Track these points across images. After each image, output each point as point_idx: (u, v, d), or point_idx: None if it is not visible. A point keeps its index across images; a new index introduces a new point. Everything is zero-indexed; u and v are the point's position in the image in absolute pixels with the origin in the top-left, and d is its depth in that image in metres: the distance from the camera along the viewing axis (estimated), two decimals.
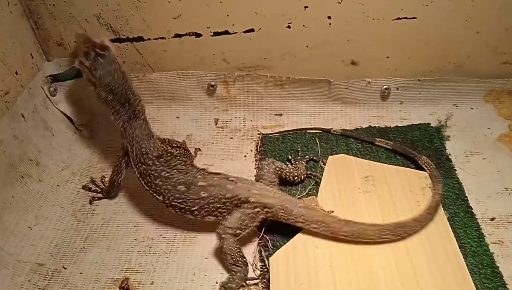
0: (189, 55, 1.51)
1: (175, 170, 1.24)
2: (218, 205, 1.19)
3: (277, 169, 1.31)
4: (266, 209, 1.17)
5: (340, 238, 1.14)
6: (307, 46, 1.47)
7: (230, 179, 1.21)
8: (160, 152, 1.28)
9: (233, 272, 1.13)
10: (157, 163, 1.25)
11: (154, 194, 1.24)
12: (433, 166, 1.32)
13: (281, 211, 1.16)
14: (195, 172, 1.24)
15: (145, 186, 1.26)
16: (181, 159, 1.29)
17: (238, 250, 1.14)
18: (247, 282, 1.13)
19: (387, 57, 1.48)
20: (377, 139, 1.45)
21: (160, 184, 1.22)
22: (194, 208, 1.21)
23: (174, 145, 1.42)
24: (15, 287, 1.17)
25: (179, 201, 1.21)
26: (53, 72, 1.55)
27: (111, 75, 1.27)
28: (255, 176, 1.33)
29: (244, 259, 1.14)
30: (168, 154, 1.29)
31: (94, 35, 1.32)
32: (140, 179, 1.27)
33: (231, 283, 1.11)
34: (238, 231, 1.16)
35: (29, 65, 1.46)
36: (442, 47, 1.45)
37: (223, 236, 1.14)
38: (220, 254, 1.17)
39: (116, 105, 1.30)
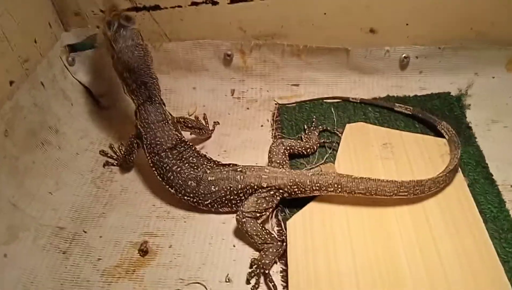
0: (206, 24, 1.51)
1: (186, 164, 1.24)
2: (231, 197, 1.20)
3: (287, 148, 1.30)
4: (281, 190, 1.17)
5: (357, 197, 1.13)
6: (324, 13, 1.44)
7: (239, 169, 1.21)
8: (174, 143, 1.27)
9: (265, 250, 1.12)
10: (170, 155, 1.25)
11: (167, 186, 1.25)
12: (453, 131, 1.30)
13: (295, 187, 1.16)
14: (205, 166, 1.24)
15: (158, 177, 1.26)
16: (193, 149, 1.29)
17: (262, 228, 1.13)
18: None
19: (407, 24, 1.45)
20: (397, 104, 1.44)
21: (172, 178, 1.23)
22: (206, 202, 1.22)
23: (189, 125, 1.42)
24: (37, 249, 1.19)
25: (190, 195, 1.22)
26: (71, 42, 1.56)
27: (131, 51, 1.27)
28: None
29: (272, 235, 1.14)
30: (182, 144, 1.28)
31: None
32: (153, 169, 1.27)
33: (265, 259, 1.10)
34: (257, 215, 1.15)
35: (47, 35, 1.47)
36: (464, 13, 1.41)
37: (243, 220, 1.14)
38: (244, 235, 1.16)
39: (132, 84, 1.29)
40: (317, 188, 1.15)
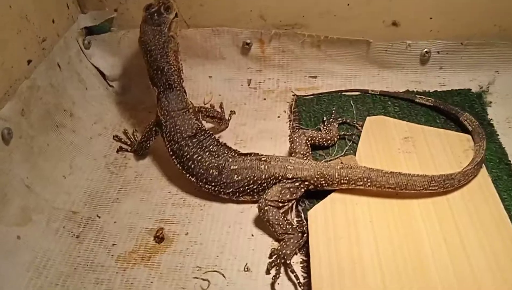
0: (226, 10, 1.48)
1: (207, 153, 1.22)
2: (254, 187, 1.18)
3: (308, 139, 1.28)
4: (306, 182, 1.15)
5: (385, 192, 1.11)
6: (348, 5, 1.43)
7: (263, 159, 1.18)
8: (194, 131, 1.25)
9: (286, 240, 1.10)
10: (190, 144, 1.23)
11: (187, 175, 1.23)
12: (476, 122, 1.28)
13: (322, 179, 1.14)
14: (226, 155, 1.22)
15: (178, 165, 1.24)
16: (213, 138, 1.27)
17: (284, 218, 1.11)
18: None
19: (430, 18, 1.43)
20: (418, 96, 1.42)
21: (193, 167, 1.21)
22: (228, 191, 1.20)
23: (210, 114, 1.40)
24: (50, 232, 1.17)
25: (212, 184, 1.20)
26: (88, 25, 1.53)
27: (153, 35, 1.27)
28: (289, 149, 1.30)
29: (293, 226, 1.12)
30: (202, 133, 1.26)
31: None
32: (173, 157, 1.25)
33: (286, 249, 1.08)
34: (280, 204, 1.13)
35: (64, 15, 1.45)
36: (488, 9, 1.40)
37: (266, 208, 1.11)
38: (265, 223, 1.13)
39: (150, 69, 1.29)
40: (346, 181, 1.12)
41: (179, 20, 1.39)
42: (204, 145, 1.24)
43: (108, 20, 1.53)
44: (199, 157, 1.21)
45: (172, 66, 1.29)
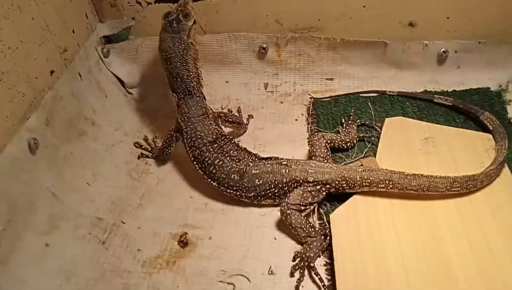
0: (242, 16, 1.50)
1: (228, 157, 1.23)
2: (275, 191, 1.19)
3: (328, 141, 1.28)
4: (328, 185, 1.15)
5: (408, 193, 1.11)
6: (364, 6, 1.43)
7: (284, 163, 1.19)
8: (214, 136, 1.27)
9: (309, 243, 1.10)
10: (211, 149, 1.24)
11: (209, 180, 1.24)
12: (497, 121, 1.28)
13: (343, 182, 1.14)
14: (247, 159, 1.23)
15: (199, 171, 1.26)
16: (234, 142, 1.28)
17: (306, 221, 1.12)
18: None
19: (447, 18, 1.43)
20: (436, 96, 1.42)
21: (214, 172, 1.22)
22: (250, 195, 1.21)
23: (230, 119, 1.41)
24: (77, 239, 1.19)
25: (234, 189, 1.21)
26: (106, 33, 1.56)
27: (172, 42, 1.29)
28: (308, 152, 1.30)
29: (316, 228, 1.12)
30: (222, 138, 1.28)
31: None
32: (194, 163, 1.26)
33: (309, 252, 1.08)
34: (302, 207, 1.13)
35: (84, 25, 1.47)
36: (506, 8, 1.39)
37: (288, 212, 1.12)
38: (287, 227, 1.14)
39: (170, 76, 1.31)
40: (367, 184, 1.13)
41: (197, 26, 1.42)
42: (225, 150, 1.26)
43: (126, 28, 1.56)
44: (220, 162, 1.22)
45: (191, 73, 1.31)
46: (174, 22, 1.30)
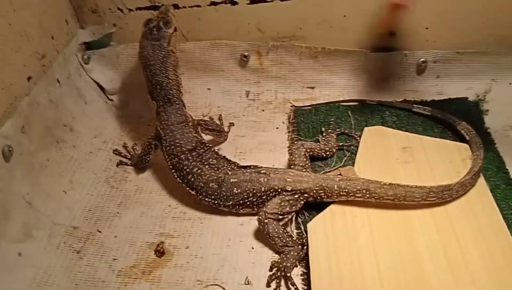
0: (224, 24, 1.50)
1: (207, 166, 1.22)
2: (253, 199, 1.18)
3: (307, 150, 1.28)
4: (305, 194, 1.15)
5: (384, 203, 1.12)
6: (344, 16, 1.44)
7: (262, 172, 1.19)
8: (193, 144, 1.26)
9: (286, 253, 1.10)
10: (190, 157, 1.23)
11: (187, 188, 1.23)
12: (473, 132, 1.29)
13: (321, 192, 1.14)
14: (226, 167, 1.22)
15: (178, 179, 1.25)
16: (213, 151, 1.28)
17: (284, 231, 1.11)
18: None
19: (427, 28, 1.44)
20: (415, 106, 1.44)
21: (193, 180, 1.21)
22: (228, 203, 1.20)
23: (210, 127, 1.41)
24: (51, 248, 1.18)
25: (212, 197, 1.20)
26: (87, 40, 1.55)
27: (152, 49, 1.28)
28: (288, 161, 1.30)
29: (293, 238, 1.12)
30: (202, 146, 1.27)
31: None
32: (173, 171, 1.25)
33: (286, 262, 1.08)
34: (279, 217, 1.13)
35: (63, 31, 1.46)
36: (484, 19, 1.41)
37: (265, 221, 1.11)
38: (264, 236, 1.14)
39: (149, 83, 1.31)
40: (345, 193, 1.13)
41: (178, 34, 1.41)
42: (204, 158, 1.25)
43: (107, 35, 1.55)
44: (199, 171, 1.22)
45: (171, 81, 1.30)
46: (155, 29, 1.29)
